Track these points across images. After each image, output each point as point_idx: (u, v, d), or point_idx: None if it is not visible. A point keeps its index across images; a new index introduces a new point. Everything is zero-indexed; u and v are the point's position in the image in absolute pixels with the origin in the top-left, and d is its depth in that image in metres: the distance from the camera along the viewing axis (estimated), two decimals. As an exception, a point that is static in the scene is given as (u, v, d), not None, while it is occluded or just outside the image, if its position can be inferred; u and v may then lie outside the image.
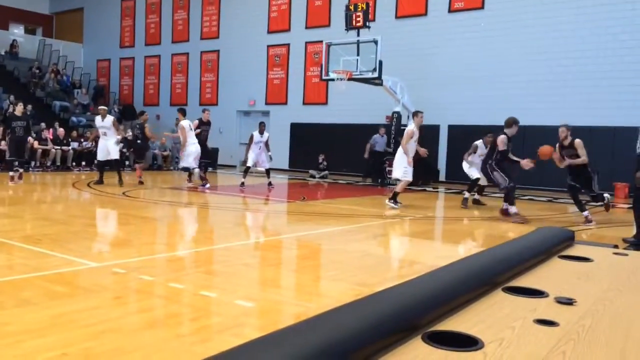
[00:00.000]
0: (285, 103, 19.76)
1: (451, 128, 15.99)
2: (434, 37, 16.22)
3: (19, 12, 25.72)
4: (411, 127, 9.41)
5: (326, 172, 16.88)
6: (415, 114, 9.88)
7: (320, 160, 17.11)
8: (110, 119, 12.11)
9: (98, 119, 12.16)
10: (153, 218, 8.14)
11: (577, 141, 8.44)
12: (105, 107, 12.86)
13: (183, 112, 12.37)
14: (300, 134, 18.95)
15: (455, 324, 1.39)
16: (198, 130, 12.37)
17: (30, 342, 2.86)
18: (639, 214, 6.50)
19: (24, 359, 2.66)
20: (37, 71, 22.46)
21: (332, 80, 14.69)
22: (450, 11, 16.20)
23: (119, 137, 12.52)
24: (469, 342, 1.27)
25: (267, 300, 3.90)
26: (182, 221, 8.20)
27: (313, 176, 16.77)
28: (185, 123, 11.96)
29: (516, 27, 14.99)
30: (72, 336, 2.98)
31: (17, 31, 26.00)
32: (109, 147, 11.97)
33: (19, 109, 11.82)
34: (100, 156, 12.17)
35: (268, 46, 20.10)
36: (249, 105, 20.72)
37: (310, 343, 1.03)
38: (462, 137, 14.74)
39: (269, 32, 20.07)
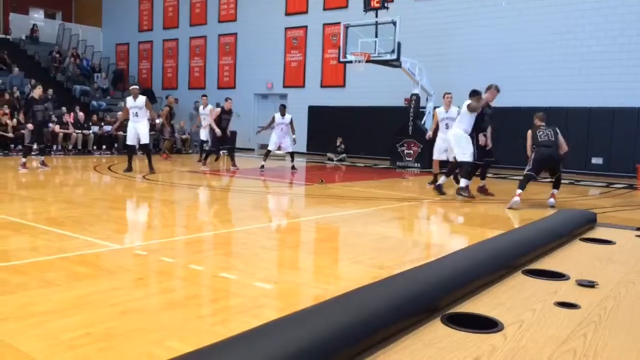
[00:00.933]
0: (303, 86, 19.69)
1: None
2: (453, 17, 15.97)
3: (39, -4, 25.93)
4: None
5: (344, 155, 16.85)
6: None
7: (338, 143, 17.07)
8: (142, 98, 11.52)
9: (129, 99, 11.59)
10: (173, 201, 8.22)
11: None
12: (137, 87, 12.22)
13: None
14: (318, 117, 18.90)
15: (474, 306, 1.39)
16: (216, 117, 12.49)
17: (55, 322, 2.92)
18: None
19: (50, 338, 2.72)
20: (58, 55, 22.66)
21: (350, 62, 14.59)
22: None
23: (152, 118, 12.19)
24: (488, 324, 1.27)
25: (286, 282, 3.93)
26: (201, 204, 8.26)
27: (331, 159, 16.75)
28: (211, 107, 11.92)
29: (537, 7, 14.68)
30: (95, 316, 3.03)
31: (37, 16, 26.21)
32: (139, 130, 11.34)
33: (37, 92, 11.36)
34: (130, 140, 11.53)
35: (286, 28, 19.99)
36: (266, 88, 20.69)
37: (332, 323, 1.04)
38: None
39: (287, 14, 19.94)
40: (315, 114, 19.02)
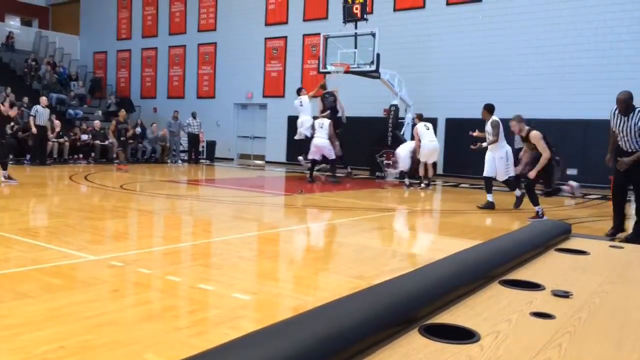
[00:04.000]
0: (283, 96, 19.72)
1: (448, 121, 15.99)
2: (431, 30, 16.19)
3: (14, 3, 25.58)
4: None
5: (324, 165, 16.87)
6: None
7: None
8: None
9: None
10: (150, 211, 8.13)
11: (533, 134, 7.67)
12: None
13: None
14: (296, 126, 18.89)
15: (452, 316, 1.40)
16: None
17: (28, 335, 2.86)
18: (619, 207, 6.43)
19: (22, 352, 2.66)
20: (34, 63, 22.35)
21: (330, 73, 14.64)
22: (448, 4, 16.16)
23: None
24: (465, 335, 1.28)
25: (265, 293, 3.91)
26: (178, 214, 8.19)
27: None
28: None
29: (514, 20, 14.97)
30: (70, 329, 2.98)
31: (13, 23, 25.85)
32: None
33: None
34: None
35: (266, 39, 20.02)
36: (246, 98, 20.67)
37: (307, 336, 1.03)
38: (459, 130, 14.75)
39: (267, 24, 19.99)
40: (295, 124, 19.03)
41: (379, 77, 14.14)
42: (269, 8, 19.95)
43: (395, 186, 12.95)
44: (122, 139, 15.36)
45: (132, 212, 8.08)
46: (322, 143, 12.71)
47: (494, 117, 8.90)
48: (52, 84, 22.07)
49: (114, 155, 16.41)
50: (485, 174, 8.99)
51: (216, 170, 17.09)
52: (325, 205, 8.86)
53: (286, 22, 19.55)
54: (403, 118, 15.09)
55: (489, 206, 8.79)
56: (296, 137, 14.81)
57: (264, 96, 20.20)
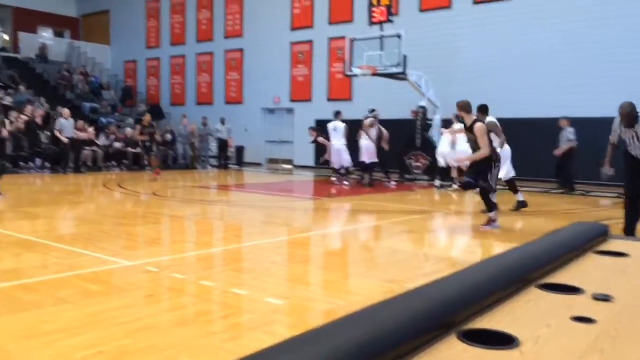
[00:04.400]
0: (310, 100, 19.77)
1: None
2: (458, 29, 16.03)
3: (47, 15, 26.23)
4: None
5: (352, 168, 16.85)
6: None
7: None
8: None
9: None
10: (182, 217, 8.24)
11: (478, 126, 6.79)
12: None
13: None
14: (325, 130, 18.93)
15: (490, 321, 1.38)
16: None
17: (68, 341, 2.93)
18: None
19: (62, 358, 2.73)
20: (66, 73, 22.90)
21: (356, 76, 14.64)
22: (475, 3, 15.99)
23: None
24: (504, 340, 1.26)
25: (297, 298, 3.92)
26: (210, 219, 8.28)
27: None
28: None
29: (543, 17, 14.72)
30: (108, 334, 3.04)
31: (45, 34, 26.52)
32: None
33: None
34: None
35: (291, 43, 20.12)
36: (273, 102, 20.79)
37: (343, 343, 1.03)
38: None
39: (292, 29, 20.09)
40: (323, 127, 19.07)
41: (405, 79, 14.07)
42: (294, 12, 20.05)
43: (425, 188, 12.85)
44: (147, 144, 15.20)
45: (164, 217, 8.21)
46: (338, 147, 12.83)
47: (489, 118, 8.58)
48: (85, 93, 22.58)
49: (146, 162, 16.55)
50: (503, 177, 8.67)
51: (245, 175, 17.24)
52: (355, 208, 8.84)
53: (311, 26, 19.61)
54: (431, 119, 14.99)
55: (522, 205, 8.62)
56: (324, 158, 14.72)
57: (291, 100, 20.30)
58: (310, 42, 19.67)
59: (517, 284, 1.62)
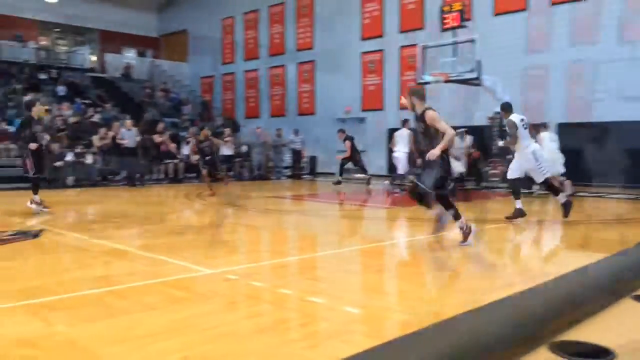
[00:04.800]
0: (382, 109, 19.72)
1: (560, 127, 15.11)
2: (535, 32, 15.48)
3: (130, 36, 27.80)
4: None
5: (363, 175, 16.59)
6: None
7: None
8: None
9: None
10: (258, 226, 8.43)
11: (430, 114, 6.00)
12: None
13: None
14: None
15: (582, 333, 1.33)
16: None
17: (156, 345, 3.07)
18: None
19: (151, 361, 2.86)
20: (149, 91, 24.11)
21: (429, 83, 14.45)
22: (552, 4, 15.40)
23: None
24: (599, 353, 1.21)
25: (374, 307, 3.91)
26: (285, 229, 8.42)
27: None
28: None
29: (623, 18, 13.94)
30: (192, 340, 3.16)
31: (129, 54, 28.09)
32: None
33: (36, 110, 8.97)
34: None
35: (362, 53, 20.18)
36: (345, 112, 20.89)
37: (431, 354, 1.03)
38: (572, 135, 13.91)
39: (363, 38, 20.15)
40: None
41: (480, 85, 13.74)
42: (364, 22, 20.12)
43: (503, 196, 12.44)
44: (207, 157, 14.56)
45: (241, 227, 8.44)
46: (398, 154, 12.72)
47: (510, 117, 8.04)
48: (166, 109, 23.67)
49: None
50: (508, 176, 8.22)
51: (318, 185, 17.40)
52: (430, 217, 8.69)
53: (382, 35, 19.59)
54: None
55: (520, 214, 7.89)
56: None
57: (363, 110, 20.32)
58: (381, 51, 19.65)
59: (610, 295, 1.54)
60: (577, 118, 14.45)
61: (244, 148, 19.89)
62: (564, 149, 11.96)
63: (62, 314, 3.67)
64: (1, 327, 3.36)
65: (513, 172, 8.09)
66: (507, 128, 8.06)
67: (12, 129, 16.26)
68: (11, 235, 6.87)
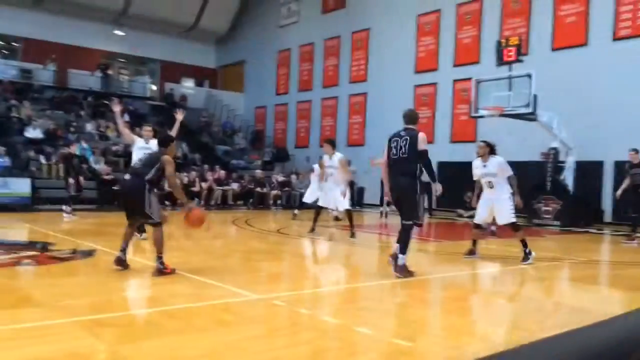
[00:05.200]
0: (432, 142, 19.58)
1: (618, 164, 14.56)
2: (595, 67, 15.09)
3: (190, 67, 28.88)
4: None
5: (474, 211, 16.27)
6: None
7: (468, 199, 16.55)
8: (338, 156, 10.07)
9: (325, 157, 10.22)
10: (305, 254, 8.45)
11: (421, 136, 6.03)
12: (328, 144, 10.33)
13: (333, 145, 10.44)
14: (448, 172, 18.55)
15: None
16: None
17: (205, 366, 3.10)
18: None
19: (199, 381, 2.89)
20: (205, 119, 24.84)
21: (482, 117, 14.29)
22: (614, 39, 15.04)
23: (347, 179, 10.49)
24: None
25: (423, 341, 3.83)
26: (332, 257, 8.39)
27: (461, 215, 16.25)
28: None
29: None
30: (241, 362, 3.17)
31: (188, 84, 29.12)
32: (336, 196, 10.03)
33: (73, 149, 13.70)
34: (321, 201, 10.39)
35: (415, 86, 20.21)
36: (395, 145, 20.85)
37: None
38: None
39: (416, 72, 20.20)
40: (445, 169, 18.71)
41: (535, 120, 13.48)
42: (419, 56, 20.19)
43: (556, 234, 12.05)
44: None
45: (288, 255, 8.48)
46: None
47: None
48: (219, 137, 24.30)
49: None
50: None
51: (365, 216, 17.31)
52: (481, 253, 8.49)
53: (436, 69, 19.59)
54: (563, 162, 14.15)
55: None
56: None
57: (413, 142, 20.22)
58: (434, 84, 19.63)
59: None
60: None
61: (293, 177, 20.10)
62: None
63: (113, 330, 3.76)
64: (57, 342, 3.47)
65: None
66: None
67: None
68: (67, 254, 7.14)
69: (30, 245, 8.30)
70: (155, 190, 5.79)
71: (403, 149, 6.01)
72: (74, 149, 14.99)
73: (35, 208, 14.43)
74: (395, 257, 5.95)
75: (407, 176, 5.97)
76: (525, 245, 7.23)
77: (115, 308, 4.36)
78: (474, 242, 7.69)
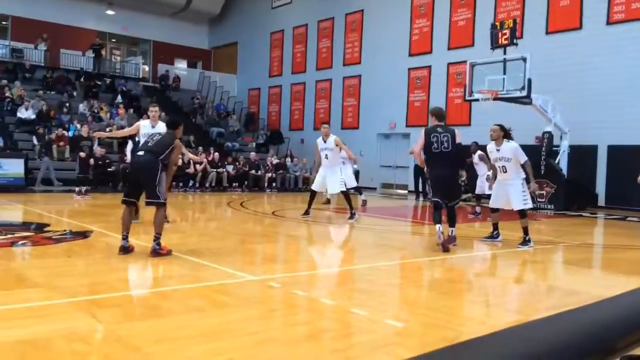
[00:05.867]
0: (427, 125, 19.56)
1: (612, 149, 14.65)
2: (589, 51, 15.09)
3: (183, 48, 28.59)
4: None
5: (469, 194, 16.34)
6: None
7: (462, 182, 16.60)
8: (333, 138, 10.10)
9: (320, 140, 10.19)
10: (300, 236, 8.47)
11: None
12: (327, 125, 10.45)
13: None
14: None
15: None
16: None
17: (202, 346, 3.12)
18: None
19: (197, 361, 2.90)
20: (198, 101, 24.68)
21: (477, 100, 14.28)
22: (608, 23, 15.02)
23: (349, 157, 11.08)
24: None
25: (418, 322, 3.86)
26: (326, 240, 8.43)
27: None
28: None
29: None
30: (237, 343, 3.19)
31: (180, 65, 28.86)
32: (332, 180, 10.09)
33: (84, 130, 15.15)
34: (316, 186, 10.30)
35: (409, 69, 20.14)
36: (389, 128, 20.85)
37: (501, 356, 1.01)
38: (624, 158, 13.48)
39: (410, 54, 20.12)
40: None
41: (530, 103, 13.49)
42: (412, 39, 20.09)
43: (550, 217, 12.13)
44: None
45: (283, 237, 8.50)
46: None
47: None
48: (213, 119, 24.16)
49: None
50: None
51: (359, 199, 17.33)
52: (473, 235, 8.55)
53: (430, 52, 19.52)
54: (558, 146, 14.20)
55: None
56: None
57: (407, 125, 20.22)
58: (428, 67, 19.56)
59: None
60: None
61: (288, 160, 20.08)
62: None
63: (110, 311, 3.77)
64: (55, 322, 3.48)
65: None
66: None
67: (69, 133, 16.93)
68: (62, 234, 7.13)
69: (24, 226, 8.27)
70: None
71: (445, 143, 6.88)
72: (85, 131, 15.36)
73: (30, 189, 14.36)
74: (444, 238, 6.75)
75: (453, 167, 7.05)
76: (526, 232, 7.28)
77: (112, 289, 4.36)
78: (495, 226, 7.79)
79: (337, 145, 10.10)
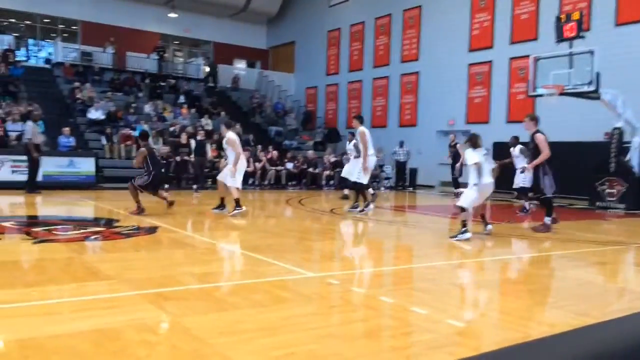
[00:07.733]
0: (487, 122, 19.11)
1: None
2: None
3: (241, 49, 29.15)
4: None
5: (532, 193, 15.82)
6: None
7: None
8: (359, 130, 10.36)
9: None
10: (359, 234, 8.48)
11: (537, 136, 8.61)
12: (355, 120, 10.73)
13: (361, 120, 10.63)
14: (504, 152, 18.09)
15: None
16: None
17: (263, 340, 3.19)
18: None
19: (259, 355, 2.97)
20: (257, 100, 25.11)
21: (541, 96, 13.81)
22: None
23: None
24: None
25: (480, 322, 3.80)
26: (386, 238, 8.39)
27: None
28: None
29: None
30: (298, 337, 3.24)
31: (239, 65, 29.44)
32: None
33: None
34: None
35: (469, 64, 19.72)
36: (448, 125, 20.49)
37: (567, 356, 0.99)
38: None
39: (470, 50, 19.69)
40: (501, 150, 18.24)
41: (598, 98, 12.92)
42: (473, 34, 19.66)
43: (621, 217, 11.59)
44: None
45: (342, 234, 8.53)
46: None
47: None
48: (271, 118, 24.52)
49: None
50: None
51: (418, 197, 17.16)
52: (538, 236, 8.29)
53: (491, 47, 19.04)
54: (628, 142, 13.54)
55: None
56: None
57: (467, 122, 19.81)
58: (489, 62, 19.10)
59: None
60: None
61: (345, 158, 20.07)
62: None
63: (176, 304, 3.91)
64: (124, 313, 3.65)
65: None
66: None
67: (135, 133, 17.61)
68: (131, 230, 7.44)
69: (95, 221, 8.69)
70: None
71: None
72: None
73: (100, 186, 15.05)
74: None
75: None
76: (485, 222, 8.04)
77: (177, 282, 4.52)
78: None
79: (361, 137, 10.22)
